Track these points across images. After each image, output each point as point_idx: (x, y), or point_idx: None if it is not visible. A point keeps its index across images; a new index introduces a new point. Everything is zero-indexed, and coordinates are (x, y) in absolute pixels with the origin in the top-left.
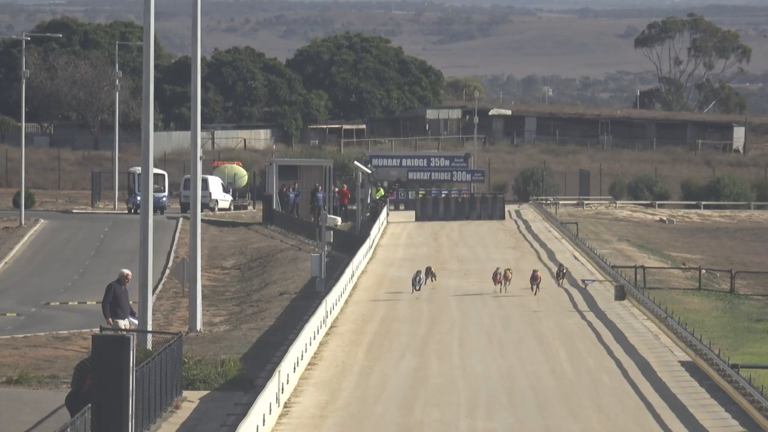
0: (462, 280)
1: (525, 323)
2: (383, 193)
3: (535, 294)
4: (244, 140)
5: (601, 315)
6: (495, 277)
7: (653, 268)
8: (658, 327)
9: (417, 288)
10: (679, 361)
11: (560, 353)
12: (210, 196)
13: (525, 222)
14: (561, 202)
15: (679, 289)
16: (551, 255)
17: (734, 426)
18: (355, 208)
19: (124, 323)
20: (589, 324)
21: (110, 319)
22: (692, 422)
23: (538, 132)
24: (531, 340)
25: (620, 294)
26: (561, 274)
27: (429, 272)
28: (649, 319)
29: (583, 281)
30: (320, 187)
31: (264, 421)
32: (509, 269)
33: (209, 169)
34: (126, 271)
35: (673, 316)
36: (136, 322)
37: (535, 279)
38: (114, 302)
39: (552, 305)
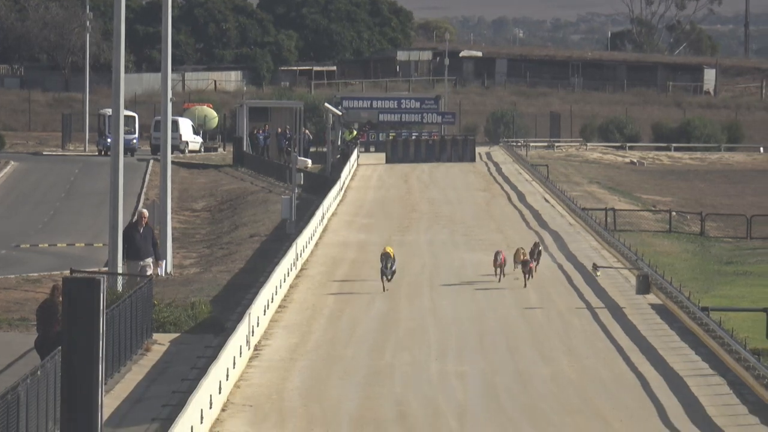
0: (433, 222)
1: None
2: (354, 135)
3: (500, 281)
4: (215, 82)
5: (571, 258)
6: (495, 261)
7: (623, 210)
8: (630, 271)
9: (388, 278)
10: (650, 304)
11: (530, 296)
12: (180, 138)
13: (495, 164)
14: (531, 144)
15: (649, 232)
16: (522, 197)
17: (704, 369)
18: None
19: (143, 264)
20: (559, 266)
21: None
22: (662, 365)
23: (508, 74)
24: (502, 283)
25: (644, 286)
26: (536, 254)
27: (387, 259)
28: (620, 261)
29: (595, 267)
30: (288, 130)
31: (234, 363)
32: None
33: (180, 111)
34: (142, 210)
35: (643, 259)
36: (164, 263)
37: (497, 261)
38: (130, 245)
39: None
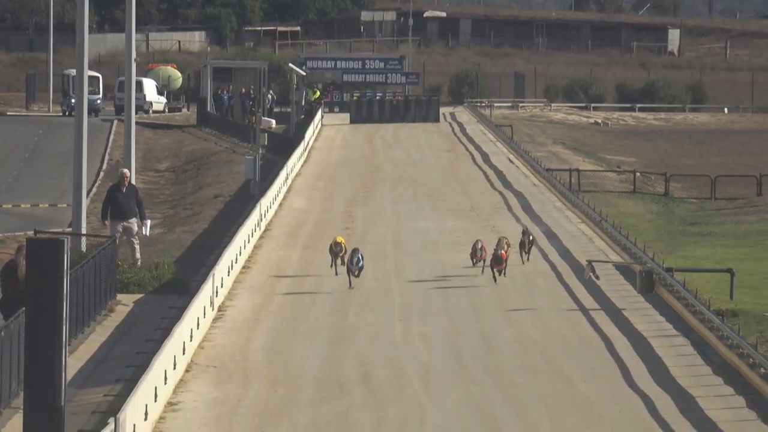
0: (397, 183)
1: (460, 228)
2: (318, 95)
3: (483, 272)
4: (179, 42)
5: (536, 218)
6: (474, 254)
7: (588, 170)
8: (593, 230)
9: (356, 274)
10: (613, 265)
11: (489, 249)
12: (144, 99)
13: (460, 124)
14: (496, 104)
15: (613, 192)
16: (486, 157)
17: (668, 329)
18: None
19: (125, 224)
20: (524, 229)
21: (106, 222)
22: (626, 326)
23: (472, 34)
24: (467, 245)
25: (647, 284)
26: (528, 243)
27: (354, 253)
28: (584, 222)
29: (589, 265)
30: (252, 90)
31: (198, 324)
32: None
33: (144, 72)
34: (123, 170)
35: (607, 220)
36: (149, 222)
37: (476, 253)
38: (113, 205)
39: (487, 208)
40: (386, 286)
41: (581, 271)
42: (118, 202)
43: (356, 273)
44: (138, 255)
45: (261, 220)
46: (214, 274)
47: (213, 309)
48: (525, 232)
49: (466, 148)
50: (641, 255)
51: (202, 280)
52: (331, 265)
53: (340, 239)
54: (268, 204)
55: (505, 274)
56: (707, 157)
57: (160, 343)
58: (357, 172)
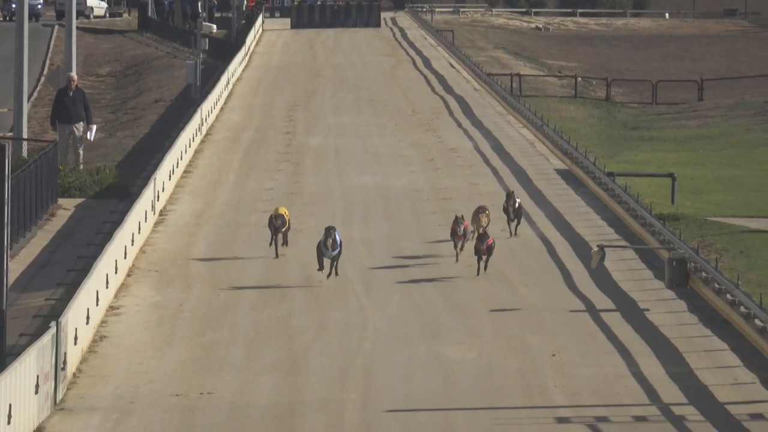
0: (338, 88)
1: (401, 131)
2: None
3: (461, 251)
4: None
5: (477, 123)
6: (455, 234)
7: (529, 75)
8: (534, 135)
9: (335, 262)
10: (555, 169)
11: (438, 164)
12: (85, 3)
13: (401, 30)
14: (437, 9)
15: (554, 97)
16: (427, 62)
17: (610, 234)
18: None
19: (74, 128)
20: (465, 131)
21: (54, 127)
22: (568, 229)
23: None
24: (408, 149)
25: (680, 276)
26: (514, 211)
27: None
28: (525, 127)
29: (600, 251)
30: None
31: (140, 228)
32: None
33: None
34: (70, 74)
35: (548, 124)
36: (95, 127)
37: (456, 235)
38: (60, 109)
39: (428, 112)
40: (328, 190)
41: (523, 175)
42: (64, 106)
43: (336, 261)
44: (81, 159)
45: (202, 125)
46: (155, 179)
47: (154, 213)
48: (509, 196)
49: (407, 53)
50: (582, 159)
51: (144, 184)
52: (270, 244)
53: (282, 210)
54: (209, 109)
55: (486, 266)
56: (648, 62)
57: (102, 248)
58: (298, 77)
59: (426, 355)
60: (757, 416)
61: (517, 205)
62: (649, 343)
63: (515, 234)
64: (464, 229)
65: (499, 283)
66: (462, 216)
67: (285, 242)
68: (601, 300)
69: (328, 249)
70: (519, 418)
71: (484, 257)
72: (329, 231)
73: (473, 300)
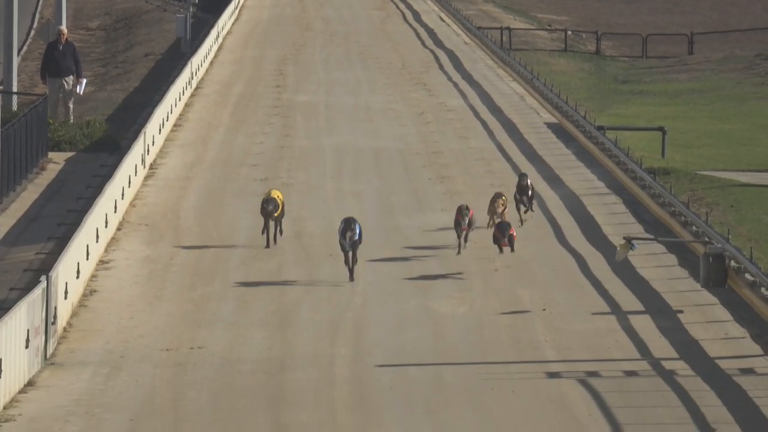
0: (328, 42)
1: (391, 85)
2: None
3: (465, 244)
4: None
5: (467, 77)
6: (459, 225)
7: (519, 29)
8: (524, 89)
9: (352, 256)
10: (545, 123)
11: (428, 117)
12: None
13: None
14: None
15: (544, 51)
16: (417, 16)
17: (600, 188)
18: None
19: (63, 82)
20: (455, 85)
21: (45, 82)
22: (558, 184)
23: None
24: (398, 103)
25: (717, 274)
26: (527, 200)
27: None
28: (515, 80)
29: (627, 243)
30: None
31: (130, 182)
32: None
33: None
34: (60, 27)
35: (539, 78)
36: (84, 81)
37: (460, 225)
38: (50, 62)
39: (418, 66)
40: (318, 144)
41: (513, 129)
42: (54, 59)
43: (354, 253)
44: (71, 113)
45: (192, 78)
46: (145, 132)
47: (144, 167)
48: (524, 177)
49: (397, 7)
50: (573, 113)
51: (134, 138)
52: (263, 232)
53: (275, 193)
54: (199, 62)
55: (513, 248)
56: (638, 15)
57: (92, 202)
58: (288, 30)
59: (416, 310)
60: (747, 371)
61: (530, 190)
62: (640, 297)
63: (525, 218)
64: (470, 220)
65: (490, 237)
66: (467, 206)
67: (280, 231)
68: (591, 254)
69: (347, 241)
70: (509, 373)
71: (505, 248)
72: (349, 223)
73: (464, 254)
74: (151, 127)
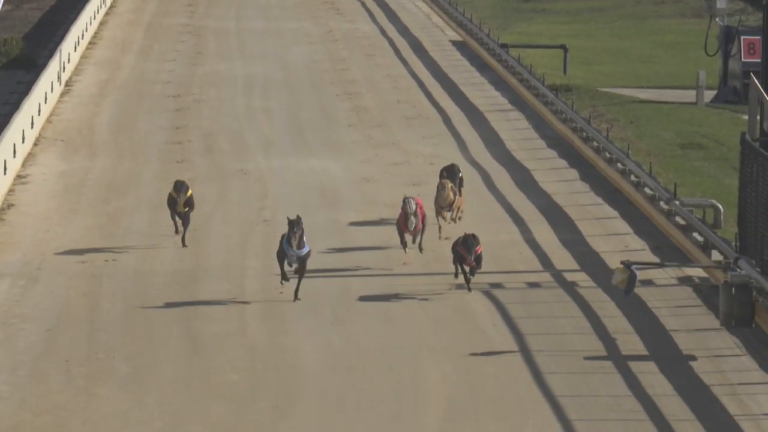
0: None
1: (302, 3)
2: None
3: (415, 244)
4: None
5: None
6: (401, 227)
7: None
8: (430, 7)
9: (291, 266)
10: (450, 41)
11: (336, 35)
12: None
13: None
14: None
15: None
16: None
17: (504, 104)
18: None
19: None
20: (362, 5)
21: None
22: (463, 100)
23: None
24: (306, 21)
25: (744, 310)
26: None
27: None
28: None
29: (625, 269)
30: None
31: (46, 99)
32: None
33: None
34: None
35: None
36: (1, 0)
37: (403, 227)
38: None
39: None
40: (229, 62)
41: (419, 46)
42: None
43: (292, 264)
44: None
45: None
46: (61, 50)
47: (60, 84)
48: (452, 168)
49: None
50: (477, 31)
51: (50, 55)
52: (176, 231)
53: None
54: None
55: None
56: None
57: (9, 118)
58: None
59: (324, 221)
60: (646, 282)
61: (459, 173)
62: (542, 210)
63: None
64: (418, 216)
65: (395, 150)
66: (411, 198)
67: (185, 223)
68: (497, 170)
69: (293, 250)
70: (415, 284)
71: (469, 268)
72: (294, 226)
73: (372, 169)
74: (67, 45)
